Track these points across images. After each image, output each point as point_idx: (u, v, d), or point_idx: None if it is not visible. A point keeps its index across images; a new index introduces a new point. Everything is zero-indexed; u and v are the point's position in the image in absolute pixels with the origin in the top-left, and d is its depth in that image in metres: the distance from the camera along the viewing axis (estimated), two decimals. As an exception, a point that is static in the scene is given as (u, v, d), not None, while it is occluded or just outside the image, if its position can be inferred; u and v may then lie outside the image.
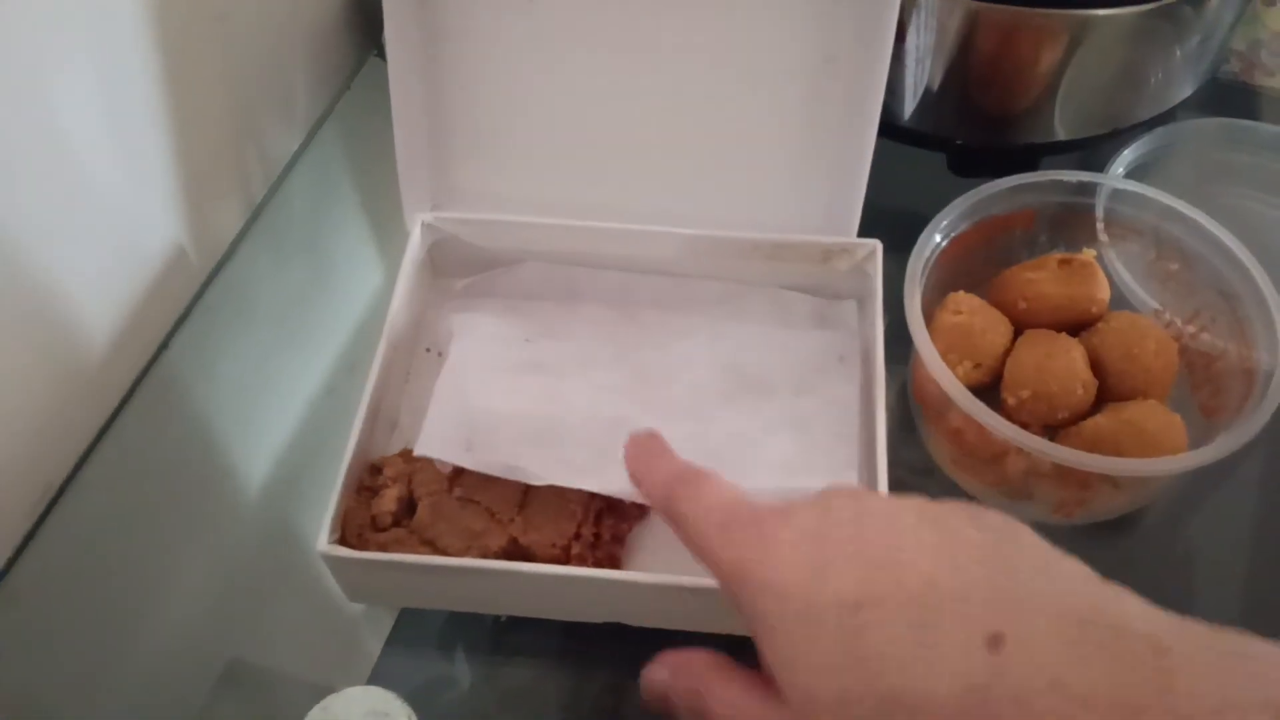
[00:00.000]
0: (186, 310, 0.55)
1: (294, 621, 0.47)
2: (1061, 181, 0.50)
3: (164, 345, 0.54)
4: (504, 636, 0.45)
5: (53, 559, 0.48)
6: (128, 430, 0.51)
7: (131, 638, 0.46)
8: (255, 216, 0.59)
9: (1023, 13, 0.50)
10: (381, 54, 0.66)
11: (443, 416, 0.46)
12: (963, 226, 0.49)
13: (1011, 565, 0.26)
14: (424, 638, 0.46)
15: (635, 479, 0.36)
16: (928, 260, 0.47)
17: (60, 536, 0.48)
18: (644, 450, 0.36)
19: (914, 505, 0.29)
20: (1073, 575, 0.26)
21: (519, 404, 0.48)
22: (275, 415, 0.52)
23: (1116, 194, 0.51)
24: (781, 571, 0.28)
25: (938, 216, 0.48)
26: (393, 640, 0.46)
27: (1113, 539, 0.48)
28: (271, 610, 0.47)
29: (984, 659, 0.25)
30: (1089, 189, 0.50)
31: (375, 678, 0.44)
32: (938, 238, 0.48)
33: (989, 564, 0.26)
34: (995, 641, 0.25)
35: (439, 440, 0.45)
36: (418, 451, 0.44)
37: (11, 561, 0.47)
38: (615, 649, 0.44)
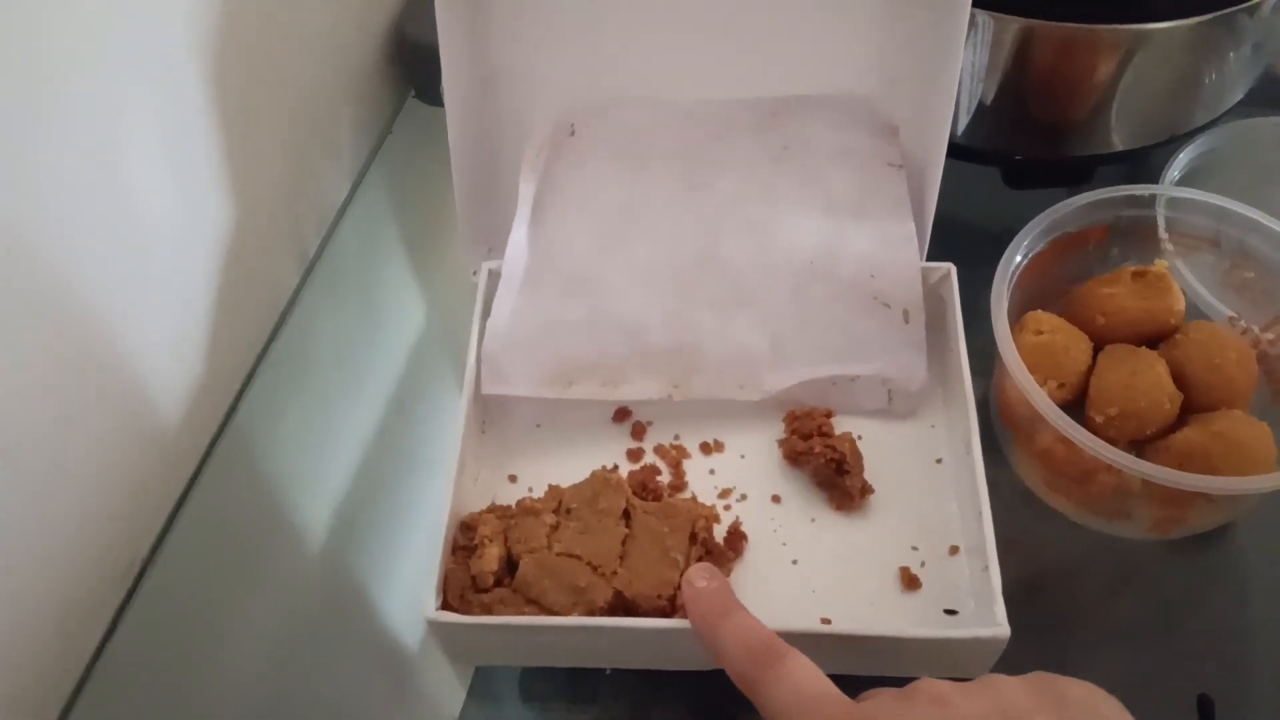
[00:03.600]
0: (253, 368, 0.54)
1: (376, 678, 0.46)
2: (1134, 195, 0.49)
3: (234, 406, 0.53)
4: (581, 685, 0.45)
5: (143, 633, 0.47)
6: (206, 495, 0.51)
7: (223, 700, 0.45)
8: (311, 268, 0.58)
9: (1078, 29, 0.50)
10: (420, 95, 0.66)
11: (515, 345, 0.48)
12: (1040, 245, 0.48)
13: None
14: (504, 690, 0.46)
15: (704, 639, 0.36)
16: (1010, 281, 0.47)
17: (148, 609, 0.48)
18: (709, 607, 0.37)
19: (1001, 708, 0.30)
20: None
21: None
22: (336, 465, 0.52)
23: (1183, 203, 0.50)
24: None
25: (1018, 236, 0.48)
26: (473, 693, 0.45)
27: (1206, 551, 0.48)
28: (352, 667, 0.46)
29: None
30: (1168, 202, 0.50)
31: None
32: (1019, 257, 0.48)
33: None
34: None
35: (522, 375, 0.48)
36: (490, 390, 0.48)
37: (106, 638, 0.46)
38: (695, 693, 0.44)
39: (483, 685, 0.46)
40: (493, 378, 0.48)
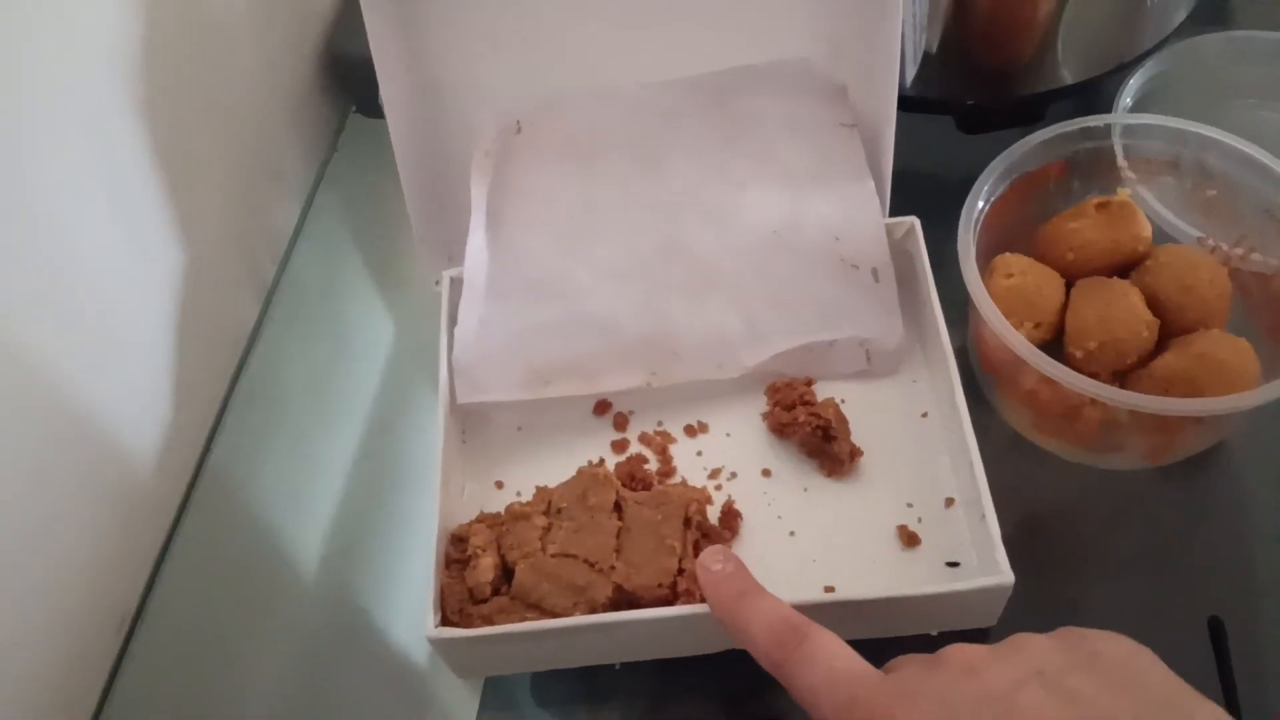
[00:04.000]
0: (223, 406, 0.53)
1: (385, 701, 0.45)
2: (1089, 127, 0.49)
3: (208, 446, 0.52)
4: (594, 683, 0.44)
5: (139, 688, 0.46)
6: (189, 541, 0.50)
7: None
8: (270, 298, 0.57)
9: (1015, -38, 0.50)
10: (361, 109, 0.65)
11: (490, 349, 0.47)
12: (1001, 188, 0.48)
13: None
14: (518, 698, 0.45)
15: (725, 624, 0.36)
16: (975, 227, 0.47)
17: (144, 664, 0.47)
18: (727, 590, 0.36)
19: (1035, 669, 0.29)
20: None
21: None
22: (320, 492, 0.51)
23: (1138, 129, 0.50)
24: None
25: (978, 181, 0.47)
26: (485, 705, 0.45)
27: (1201, 474, 0.48)
28: (358, 692, 0.46)
29: None
30: (1124, 130, 0.50)
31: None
32: (980, 203, 0.47)
33: None
34: None
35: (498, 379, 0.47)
36: (466, 399, 0.47)
37: (103, 699, 0.45)
38: (710, 678, 0.43)
39: (494, 696, 0.45)
40: (468, 386, 0.48)
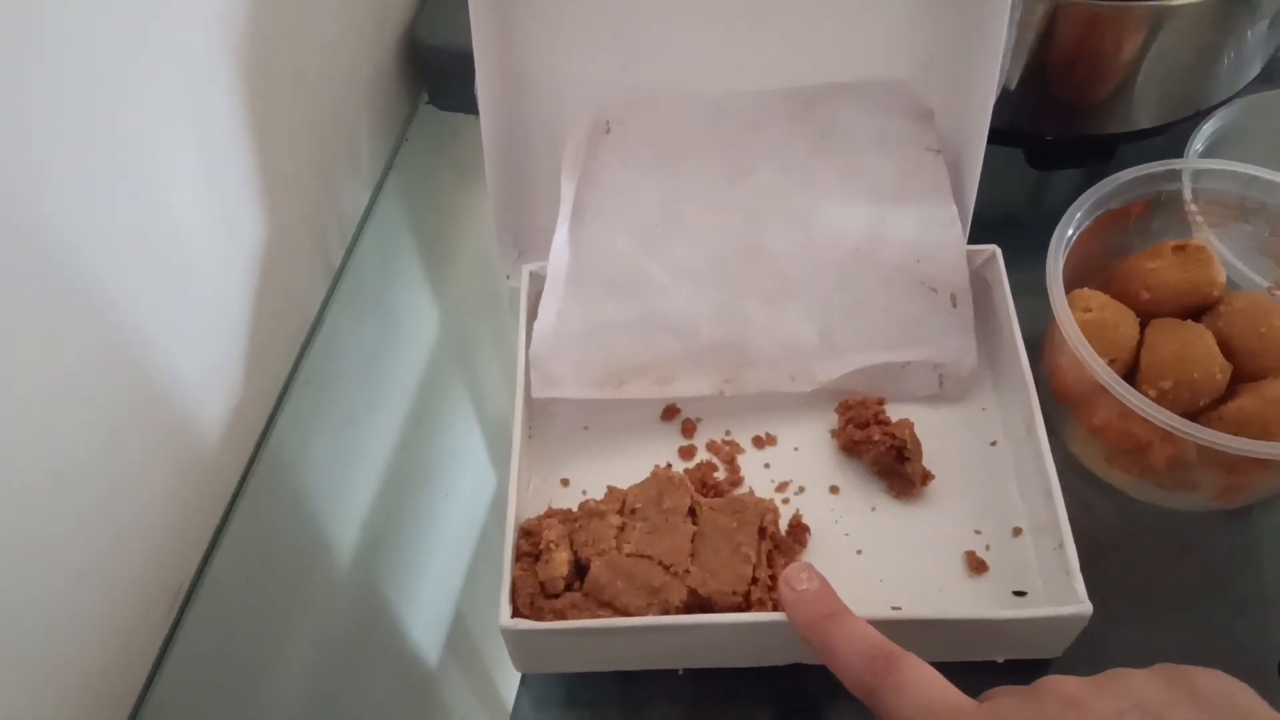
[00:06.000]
0: (286, 385, 0.53)
1: (420, 692, 0.45)
2: (1174, 170, 0.50)
3: (268, 426, 0.52)
4: (631, 689, 0.44)
5: (190, 666, 0.45)
6: (246, 518, 0.49)
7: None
8: (337, 281, 0.57)
9: (1104, 6, 0.51)
10: (433, 100, 0.65)
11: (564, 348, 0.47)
12: (1086, 222, 0.48)
13: None
14: (549, 700, 0.44)
15: (813, 644, 0.36)
16: (1062, 256, 0.47)
17: (194, 641, 0.46)
18: (815, 610, 0.36)
19: (1136, 703, 0.29)
20: None
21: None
22: (370, 478, 0.51)
23: (1212, 174, 0.51)
24: None
25: (1069, 210, 0.48)
26: (519, 707, 0.44)
27: (1270, 518, 0.48)
28: (394, 682, 0.45)
29: None
30: (1201, 175, 0.51)
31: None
32: (1070, 231, 0.47)
33: None
34: None
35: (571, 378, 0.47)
36: (541, 394, 0.47)
37: (153, 674, 0.45)
38: (741, 690, 0.43)
39: (528, 693, 0.45)
40: (543, 381, 0.48)
